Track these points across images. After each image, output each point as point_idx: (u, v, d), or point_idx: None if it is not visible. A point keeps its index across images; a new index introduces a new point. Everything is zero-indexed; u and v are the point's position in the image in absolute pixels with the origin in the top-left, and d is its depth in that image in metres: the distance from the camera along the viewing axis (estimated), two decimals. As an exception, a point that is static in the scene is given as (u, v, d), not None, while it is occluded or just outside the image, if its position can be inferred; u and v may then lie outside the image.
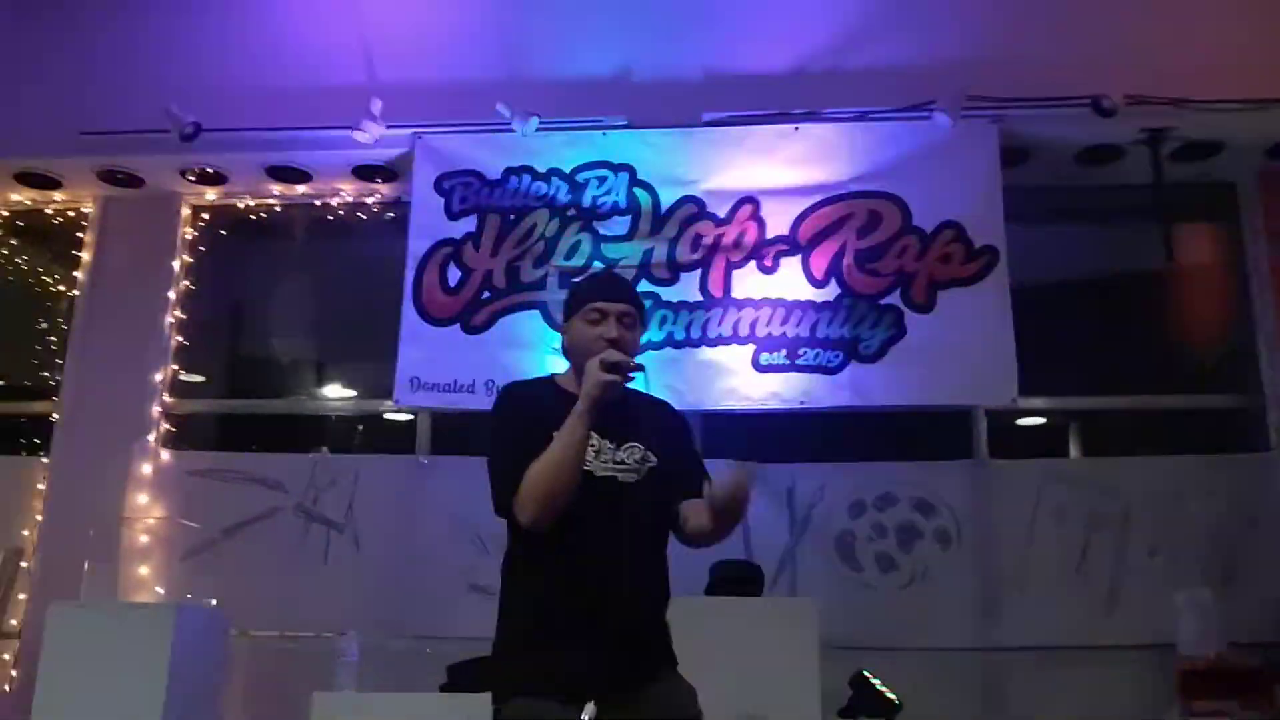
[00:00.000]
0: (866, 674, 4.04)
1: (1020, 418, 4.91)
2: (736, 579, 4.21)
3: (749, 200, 4.79)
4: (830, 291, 4.68)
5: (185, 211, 5.38)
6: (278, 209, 5.42)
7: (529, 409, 2.59)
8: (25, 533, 5.02)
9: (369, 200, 5.32)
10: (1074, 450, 5.07)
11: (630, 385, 2.57)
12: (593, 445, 2.56)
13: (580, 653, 2.50)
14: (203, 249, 5.40)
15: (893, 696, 3.98)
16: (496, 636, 2.67)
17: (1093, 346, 5.31)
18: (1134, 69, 4.65)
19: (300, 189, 5.28)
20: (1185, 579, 4.56)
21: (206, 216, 5.42)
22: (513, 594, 2.66)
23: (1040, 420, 5.16)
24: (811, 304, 4.68)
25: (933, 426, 5.05)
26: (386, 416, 5.00)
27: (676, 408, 2.84)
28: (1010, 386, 4.55)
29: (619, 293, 2.69)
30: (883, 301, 4.65)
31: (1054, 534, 4.78)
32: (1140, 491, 4.79)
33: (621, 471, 2.59)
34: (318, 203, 5.35)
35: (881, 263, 4.69)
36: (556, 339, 4.68)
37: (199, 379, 5.38)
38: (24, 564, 4.91)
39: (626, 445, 2.60)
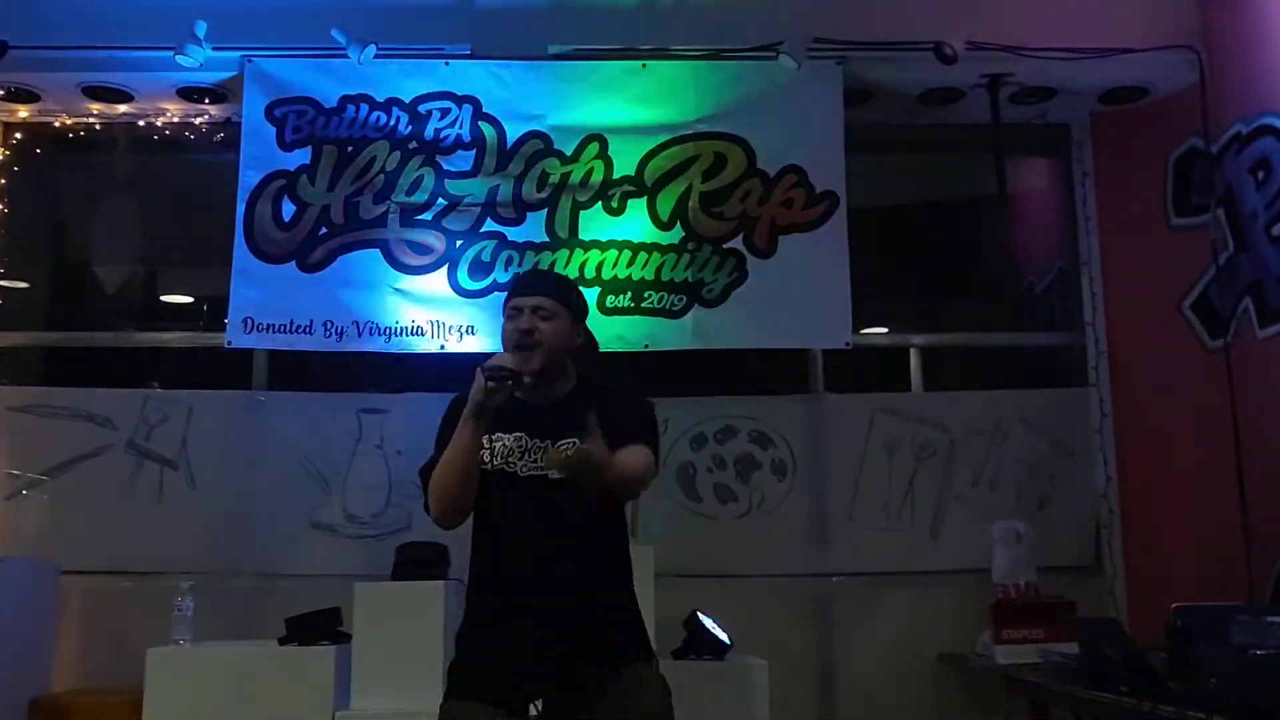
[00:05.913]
0: (699, 615, 4.19)
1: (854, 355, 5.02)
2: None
3: (596, 138, 4.69)
4: (675, 235, 4.66)
5: (-4, 130, 5.03)
6: (98, 127, 5.07)
7: (459, 415, 2.63)
8: None
9: (197, 120, 5.04)
10: (910, 379, 5.24)
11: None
12: (521, 446, 2.66)
13: (514, 654, 2.57)
14: (17, 169, 5.05)
15: (724, 637, 4.14)
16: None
17: (927, 276, 5.50)
18: (975, 14, 4.67)
19: (121, 108, 4.95)
20: (1004, 508, 4.85)
21: (19, 135, 5.06)
22: (467, 594, 2.75)
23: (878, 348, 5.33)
24: (657, 246, 4.66)
25: (773, 361, 5.18)
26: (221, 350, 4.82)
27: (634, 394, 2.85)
28: (845, 330, 4.65)
29: (528, 286, 2.79)
30: (726, 245, 4.66)
31: (884, 464, 5.01)
32: (966, 424, 5.04)
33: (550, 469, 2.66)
34: (141, 122, 5.03)
35: (726, 206, 4.68)
36: (398, 279, 4.66)
37: (22, 285, 5.11)
38: None
39: (562, 442, 2.63)
